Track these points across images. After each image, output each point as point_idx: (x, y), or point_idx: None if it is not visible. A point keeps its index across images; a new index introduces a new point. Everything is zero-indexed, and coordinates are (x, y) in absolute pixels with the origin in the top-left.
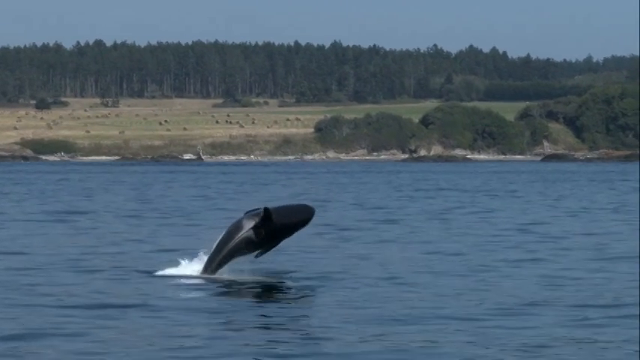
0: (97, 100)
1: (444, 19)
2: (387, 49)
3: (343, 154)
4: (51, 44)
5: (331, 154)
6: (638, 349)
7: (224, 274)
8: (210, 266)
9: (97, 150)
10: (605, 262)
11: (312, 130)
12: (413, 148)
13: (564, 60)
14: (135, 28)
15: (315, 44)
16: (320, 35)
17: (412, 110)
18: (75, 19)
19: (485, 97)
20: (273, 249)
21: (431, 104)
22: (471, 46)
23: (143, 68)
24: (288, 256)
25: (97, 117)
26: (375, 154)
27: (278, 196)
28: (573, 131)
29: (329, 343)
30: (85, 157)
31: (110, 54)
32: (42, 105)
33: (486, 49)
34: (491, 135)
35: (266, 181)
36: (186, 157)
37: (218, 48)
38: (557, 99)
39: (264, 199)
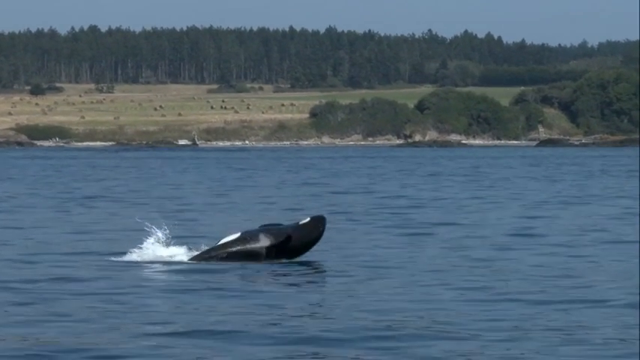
0: (92, 86)
1: (439, 4)
2: (382, 35)
3: (338, 140)
4: (45, 30)
5: (326, 139)
6: None
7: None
8: (205, 256)
9: (91, 136)
10: None
11: (307, 115)
12: (408, 133)
13: (559, 45)
14: (129, 14)
15: (310, 30)
16: (315, 21)
17: (407, 95)
18: (69, 4)
19: (480, 82)
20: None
21: (426, 89)
22: (465, 32)
23: (138, 54)
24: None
25: (92, 103)
26: (370, 139)
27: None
28: (568, 116)
29: None
30: (79, 143)
31: (105, 39)
32: (36, 91)
33: (481, 35)
34: (486, 120)
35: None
36: (182, 142)
37: (213, 33)
38: (552, 84)
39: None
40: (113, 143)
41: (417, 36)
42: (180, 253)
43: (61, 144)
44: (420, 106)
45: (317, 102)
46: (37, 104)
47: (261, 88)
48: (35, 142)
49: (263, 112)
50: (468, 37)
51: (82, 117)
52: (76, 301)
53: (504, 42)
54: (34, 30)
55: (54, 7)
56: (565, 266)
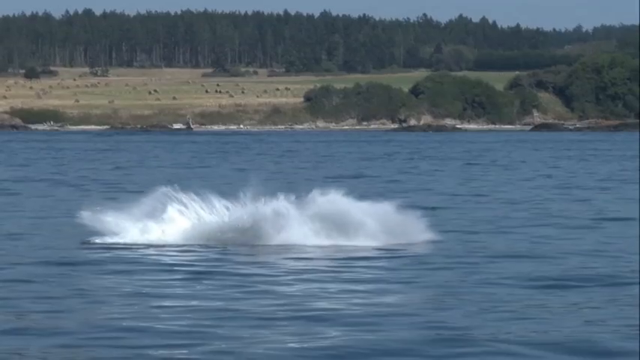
0: (86, 70)
1: None
2: (377, 19)
3: (333, 124)
4: (40, 13)
5: (321, 123)
6: None
7: None
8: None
9: (86, 119)
10: None
11: (301, 99)
12: (402, 117)
13: (554, 29)
14: None
15: (305, 14)
16: (309, 5)
17: (402, 80)
18: None
19: (475, 66)
20: None
21: (420, 74)
22: (460, 16)
23: (132, 38)
24: None
25: (87, 86)
26: (364, 123)
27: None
28: (563, 101)
29: None
30: (74, 127)
31: (99, 23)
32: (31, 74)
33: (476, 19)
34: (480, 105)
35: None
36: (176, 126)
37: (207, 17)
38: (546, 68)
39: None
40: (107, 127)
41: (411, 20)
42: None
43: (56, 128)
44: (415, 91)
45: (312, 86)
46: (31, 88)
47: (255, 72)
48: (30, 125)
49: (258, 97)
50: (462, 22)
51: (77, 101)
52: None
53: (499, 26)
54: (28, 13)
55: None
56: None
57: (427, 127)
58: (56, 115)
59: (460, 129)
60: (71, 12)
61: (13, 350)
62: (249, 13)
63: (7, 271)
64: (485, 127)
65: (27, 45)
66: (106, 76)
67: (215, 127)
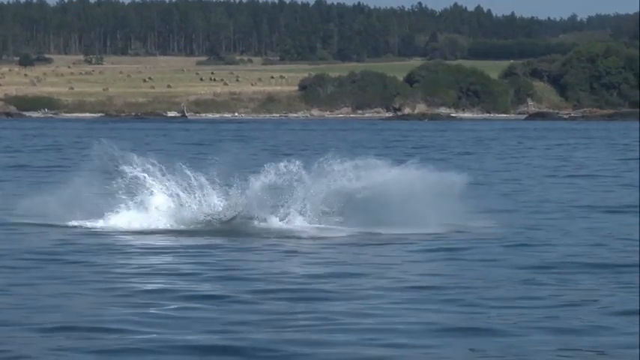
0: (81, 57)
1: None
2: (372, 7)
3: (328, 112)
4: (34, 0)
5: (315, 112)
6: None
7: None
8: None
9: (80, 107)
10: None
11: (296, 88)
12: (397, 106)
13: (549, 18)
14: None
15: (300, 2)
16: None
17: (396, 68)
18: None
19: (470, 55)
20: None
21: (415, 62)
22: (455, 5)
23: (127, 25)
24: None
25: (81, 74)
26: (359, 112)
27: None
28: (557, 90)
29: None
30: (68, 114)
31: (94, 11)
32: (25, 61)
33: (471, 8)
34: (475, 93)
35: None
36: (171, 114)
37: (202, 5)
38: (541, 57)
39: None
40: (102, 114)
41: (406, 9)
42: None
43: (50, 115)
44: (410, 79)
45: (306, 75)
46: (25, 75)
47: (250, 61)
48: (24, 112)
49: (252, 85)
50: (457, 10)
51: (71, 88)
52: None
53: (494, 15)
54: (22, 0)
55: None
56: None
57: (422, 116)
58: (50, 102)
59: (455, 118)
60: None
61: None
62: (244, 1)
63: None
64: (479, 115)
65: (21, 32)
66: (101, 63)
67: (210, 115)
